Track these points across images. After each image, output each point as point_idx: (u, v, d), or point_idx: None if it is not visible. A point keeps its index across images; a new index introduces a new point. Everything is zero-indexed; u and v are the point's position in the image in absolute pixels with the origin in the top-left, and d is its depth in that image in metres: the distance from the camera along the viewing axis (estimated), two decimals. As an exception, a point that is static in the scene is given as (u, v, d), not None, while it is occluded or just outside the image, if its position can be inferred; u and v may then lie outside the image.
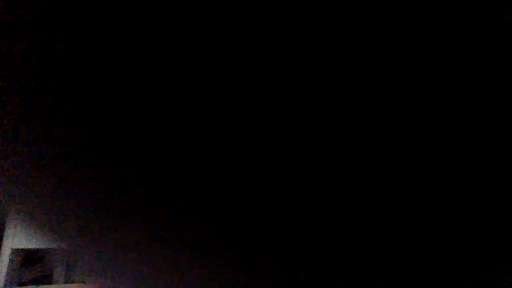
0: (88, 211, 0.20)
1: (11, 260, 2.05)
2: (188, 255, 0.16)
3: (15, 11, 0.12)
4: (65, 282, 2.51)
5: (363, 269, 0.14)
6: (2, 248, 2.05)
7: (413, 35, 0.10)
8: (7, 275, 2.03)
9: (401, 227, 0.14)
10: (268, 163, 0.12)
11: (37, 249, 2.18)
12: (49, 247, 2.09)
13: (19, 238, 2.06)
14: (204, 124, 0.12)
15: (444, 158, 0.13)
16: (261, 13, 0.10)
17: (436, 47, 0.10)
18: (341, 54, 0.10)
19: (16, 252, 2.08)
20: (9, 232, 2.06)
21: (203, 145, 0.13)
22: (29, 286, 2.14)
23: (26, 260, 2.22)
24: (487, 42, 0.10)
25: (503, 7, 0.10)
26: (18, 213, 0.21)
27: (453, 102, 0.11)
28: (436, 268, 0.16)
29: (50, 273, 2.50)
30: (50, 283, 2.41)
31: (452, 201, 0.14)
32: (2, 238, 2.09)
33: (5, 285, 1.99)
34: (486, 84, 0.11)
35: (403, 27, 0.10)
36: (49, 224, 0.21)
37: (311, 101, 0.11)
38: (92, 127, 0.15)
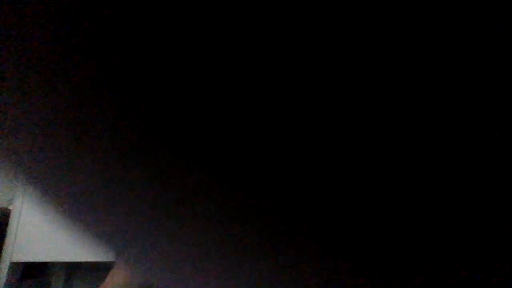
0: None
1: (9, 274, 2.04)
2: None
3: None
4: (64, 296, 2.50)
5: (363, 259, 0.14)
6: (0, 262, 2.05)
7: (413, 35, 0.10)
8: (5, 289, 2.01)
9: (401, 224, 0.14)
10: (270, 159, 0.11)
11: (36, 262, 2.18)
12: (48, 260, 2.08)
13: (18, 252, 2.06)
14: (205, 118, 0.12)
15: (444, 158, 0.13)
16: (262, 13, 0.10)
17: (436, 47, 0.11)
18: (341, 54, 0.10)
19: (14, 265, 2.08)
20: (7, 245, 2.06)
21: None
22: (28, 300, 2.12)
23: (24, 273, 2.21)
24: (487, 42, 0.10)
25: (503, 7, 0.10)
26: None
27: (453, 102, 0.11)
28: (437, 268, 0.16)
29: (48, 286, 2.48)
30: (48, 296, 2.39)
31: (452, 201, 0.14)
32: (1, 252, 2.09)
33: (3, 299, 1.98)
34: (486, 84, 0.11)
35: (403, 27, 0.10)
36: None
37: (310, 98, 0.11)
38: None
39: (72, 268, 2.58)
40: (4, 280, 2.01)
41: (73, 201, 0.18)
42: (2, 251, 2.06)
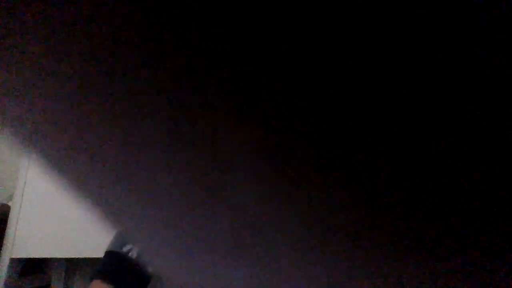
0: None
1: (10, 270, 2.04)
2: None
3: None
4: (64, 292, 2.50)
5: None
6: (0, 258, 2.05)
7: (413, 35, 0.10)
8: (5, 285, 2.02)
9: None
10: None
11: (36, 258, 2.18)
12: (48, 256, 2.09)
13: (18, 248, 2.06)
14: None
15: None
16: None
17: (436, 47, 0.10)
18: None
19: (15, 262, 2.08)
20: (7, 241, 2.06)
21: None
22: (28, 296, 2.13)
23: (25, 269, 2.21)
24: (487, 42, 0.10)
25: (503, 7, 0.10)
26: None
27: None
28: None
29: (49, 282, 2.49)
30: (49, 292, 2.40)
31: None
32: (1, 248, 2.09)
33: (3, 295, 1.98)
34: (486, 84, 0.11)
35: (403, 27, 0.10)
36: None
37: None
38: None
39: (72, 264, 2.58)
40: (4, 276, 2.01)
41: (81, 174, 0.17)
42: (2, 247, 2.06)
